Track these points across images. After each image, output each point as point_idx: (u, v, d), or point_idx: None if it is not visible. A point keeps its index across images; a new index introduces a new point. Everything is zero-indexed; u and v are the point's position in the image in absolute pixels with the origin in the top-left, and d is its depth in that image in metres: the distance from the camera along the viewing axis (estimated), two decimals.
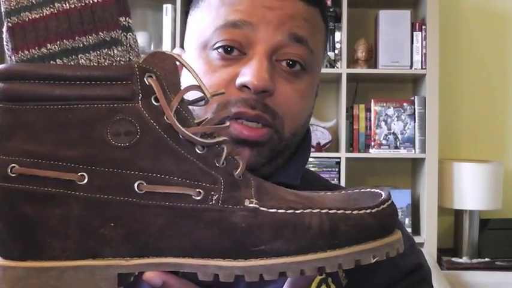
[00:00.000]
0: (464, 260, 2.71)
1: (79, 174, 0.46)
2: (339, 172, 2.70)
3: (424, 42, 2.70)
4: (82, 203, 0.46)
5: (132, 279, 0.48)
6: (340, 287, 0.73)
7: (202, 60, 0.72)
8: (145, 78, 0.47)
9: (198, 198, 0.47)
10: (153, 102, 0.47)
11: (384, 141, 2.77)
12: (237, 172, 0.49)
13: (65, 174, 0.45)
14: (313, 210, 0.47)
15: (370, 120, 2.79)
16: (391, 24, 2.72)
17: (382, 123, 2.77)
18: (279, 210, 0.47)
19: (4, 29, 0.47)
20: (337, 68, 2.73)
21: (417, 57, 2.71)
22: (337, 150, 2.82)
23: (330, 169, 2.71)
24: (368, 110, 2.80)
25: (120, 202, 0.46)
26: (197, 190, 0.47)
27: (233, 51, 0.70)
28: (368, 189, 0.53)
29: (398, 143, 2.76)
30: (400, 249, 0.49)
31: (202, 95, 0.50)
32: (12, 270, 0.45)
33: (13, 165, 0.45)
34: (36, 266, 0.45)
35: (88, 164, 0.46)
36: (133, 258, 0.46)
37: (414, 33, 2.72)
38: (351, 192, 0.53)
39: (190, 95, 0.50)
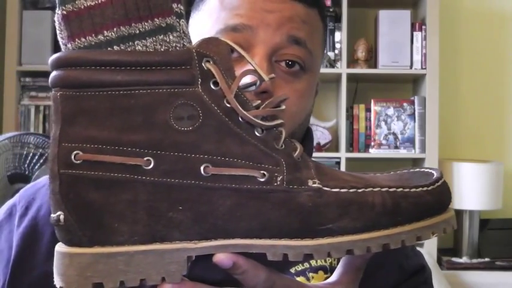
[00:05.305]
0: (464, 260, 2.71)
1: (145, 159, 0.45)
2: None
3: (424, 42, 2.71)
4: (149, 188, 0.45)
5: None
6: None
7: None
8: (203, 63, 0.47)
9: (263, 179, 0.47)
10: (212, 86, 0.47)
11: (383, 141, 2.77)
12: (296, 154, 0.49)
13: (131, 159, 0.45)
14: (374, 189, 0.48)
15: (370, 120, 2.80)
16: (391, 24, 2.73)
17: (382, 123, 2.78)
18: (342, 190, 0.48)
19: (58, 18, 0.46)
20: (337, 68, 2.73)
21: (417, 57, 2.72)
22: (337, 150, 2.82)
23: None
24: (368, 110, 2.81)
25: (187, 185, 0.46)
26: (261, 172, 0.47)
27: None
28: (417, 169, 0.54)
29: (398, 143, 2.77)
30: (454, 225, 0.51)
31: (250, 81, 0.51)
32: (80, 256, 0.45)
33: (77, 151, 0.45)
34: (105, 252, 0.45)
35: (153, 149, 0.46)
36: (201, 240, 0.46)
37: (414, 33, 2.73)
38: (401, 173, 0.53)
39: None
